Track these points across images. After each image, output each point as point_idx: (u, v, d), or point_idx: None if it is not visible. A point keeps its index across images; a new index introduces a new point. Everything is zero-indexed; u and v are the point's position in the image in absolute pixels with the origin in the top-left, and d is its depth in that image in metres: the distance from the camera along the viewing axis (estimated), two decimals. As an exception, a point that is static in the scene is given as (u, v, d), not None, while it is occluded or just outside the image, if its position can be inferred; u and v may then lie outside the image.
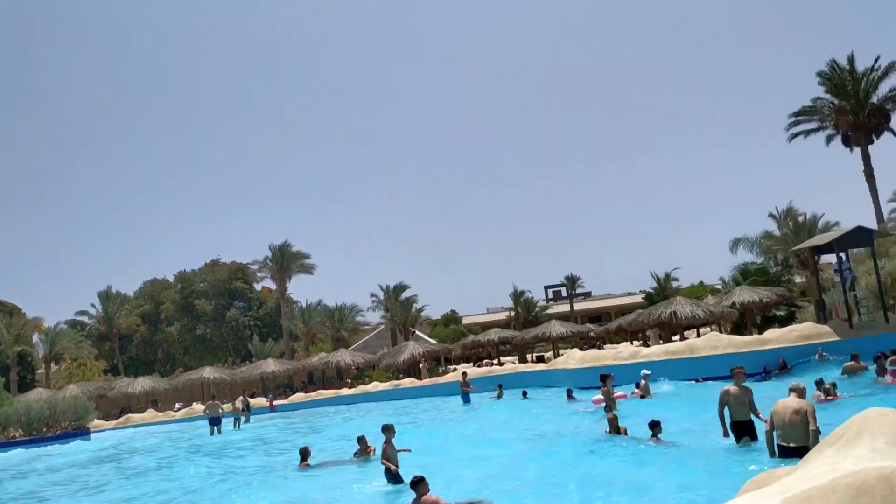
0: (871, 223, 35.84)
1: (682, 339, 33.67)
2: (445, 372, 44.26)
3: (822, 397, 15.01)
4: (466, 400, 28.50)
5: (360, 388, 41.75)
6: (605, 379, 17.01)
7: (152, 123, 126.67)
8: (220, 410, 29.86)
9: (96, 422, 40.94)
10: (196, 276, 72.17)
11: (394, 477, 12.09)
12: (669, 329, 35.07)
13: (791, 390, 8.29)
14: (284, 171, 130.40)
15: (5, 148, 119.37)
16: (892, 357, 19.90)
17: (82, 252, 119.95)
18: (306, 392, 45.39)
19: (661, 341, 34.67)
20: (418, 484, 8.84)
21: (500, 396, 27.66)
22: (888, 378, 17.11)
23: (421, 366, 42.68)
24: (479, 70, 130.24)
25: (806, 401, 8.02)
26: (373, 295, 56.27)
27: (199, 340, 68.19)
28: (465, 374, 31.70)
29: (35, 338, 57.09)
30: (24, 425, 35.64)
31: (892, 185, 46.03)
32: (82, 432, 35.51)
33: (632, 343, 42.57)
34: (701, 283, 55.09)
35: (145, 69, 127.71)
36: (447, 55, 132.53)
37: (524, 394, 26.44)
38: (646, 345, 37.80)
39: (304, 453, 15.43)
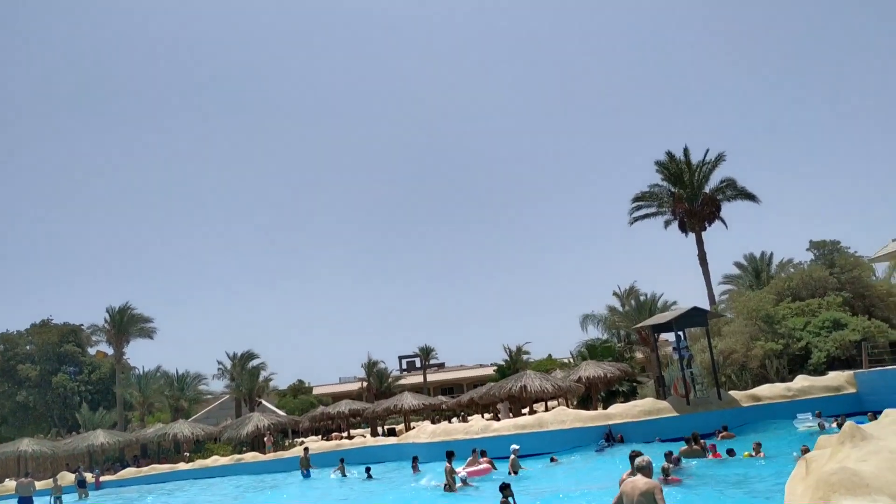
0: (705, 304, 38.30)
1: (532, 412, 34.04)
2: (292, 445, 42.38)
3: (662, 478, 15.34)
4: (307, 476, 27.88)
5: (199, 463, 39.06)
6: (449, 456, 17.51)
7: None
8: (33, 489, 26.86)
9: None
10: (21, 337, 66.14)
11: None
12: (520, 402, 35.41)
13: (637, 469, 8.12)
14: (125, 230, 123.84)
15: None
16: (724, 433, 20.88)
17: None
18: (139, 467, 42.00)
19: (510, 414, 34.88)
20: None
21: (342, 473, 26.63)
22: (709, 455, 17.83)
23: (266, 439, 40.68)
24: (330, 130, 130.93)
25: (654, 480, 7.90)
26: (219, 363, 53.60)
27: (20, 408, 61.99)
28: (306, 449, 30.71)
29: None
30: None
31: (723, 269, 49.42)
32: None
33: (483, 416, 42.71)
34: (550, 356, 56.48)
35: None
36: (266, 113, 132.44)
37: (368, 471, 25.50)
38: (496, 418, 37.95)
39: None
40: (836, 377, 25.52)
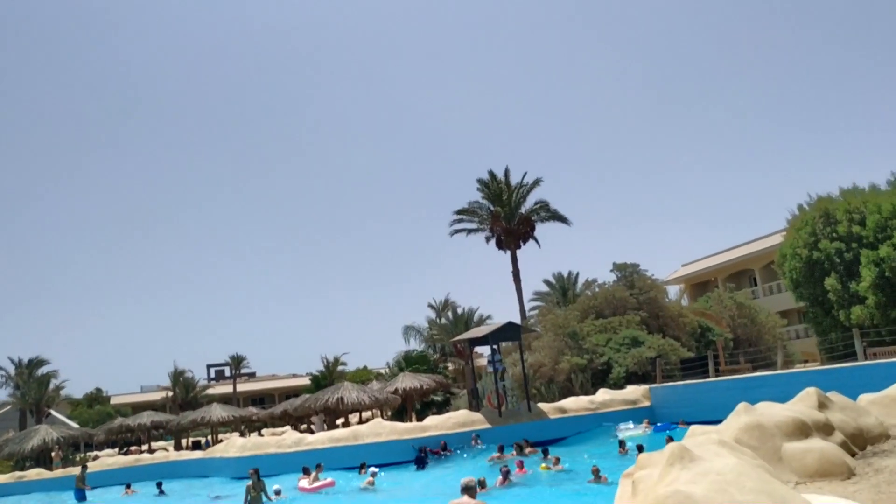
0: (517, 318, 39.89)
1: (346, 424, 33.70)
2: (85, 460, 39.09)
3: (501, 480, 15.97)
4: (81, 497, 25.32)
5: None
6: (254, 474, 16.91)
7: None
8: None
9: None
10: None
11: None
12: (335, 414, 34.97)
13: (463, 490, 8.07)
14: None
15: None
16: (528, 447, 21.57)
17: None
18: None
19: (325, 427, 34.35)
20: None
21: (128, 493, 25.19)
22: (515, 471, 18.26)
23: (53, 454, 37.22)
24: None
25: (478, 501, 7.90)
26: (1, 368, 48.54)
27: None
28: (84, 466, 28.00)
29: None
30: None
31: (534, 286, 51.91)
32: None
33: (297, 428, 41.71)
34: (366, 367, 56.44)
35: None
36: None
37: (159, 485, 24.19)
38: (310, 431, 37.22)
39: None
40: (633, 391, 27.44)
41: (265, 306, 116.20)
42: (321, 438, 25.60)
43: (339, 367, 52.05)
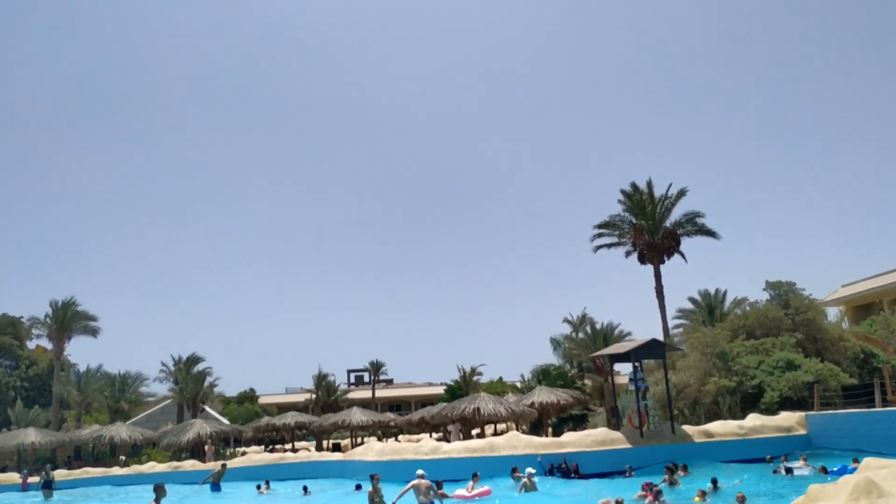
0: (659, 336, 38.37)
1: (482, 435, 33.56)
2: (234, 455, 41.19)
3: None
4: (216, 489, 28.03)
5: (134, 469, 37.64)
6: (373, 478, 17.41)
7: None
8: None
9: None
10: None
11: None
12: (471, 424, 34.94)
13: None
14: (75, 224, 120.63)
15: None
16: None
17: None
18: (70, 469, 40.34)
19: (461, 436, 34.36)
20: None
21: (262, 492, 26.38)
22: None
23: (206, 447, 39.43)
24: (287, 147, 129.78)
25: None
26: (163, 365, 52.09)
27: (-52, 401, 59.43)
28: (224, 465, 30.25)
29: None
30: None
31: (678, 303, 49.78)
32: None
33: (431, 436, 42.08)
34: (501, 379, 56.20)
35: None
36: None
37: (305, 489, 24.78)
38: (446, 439, 37.41)
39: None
40: (787, 417, 25.59)
41: (404, 315, 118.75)
42: (457, 448, 25.56)
43: (475, 378, 52.13)
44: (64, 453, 46.42)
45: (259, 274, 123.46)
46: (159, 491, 13.27)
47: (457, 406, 33.42)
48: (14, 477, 36.58)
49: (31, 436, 42.71)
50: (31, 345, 65.59)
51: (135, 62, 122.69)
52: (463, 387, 49.25)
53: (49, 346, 57.98)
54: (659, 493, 15.96)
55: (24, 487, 34.97)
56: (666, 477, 19.06)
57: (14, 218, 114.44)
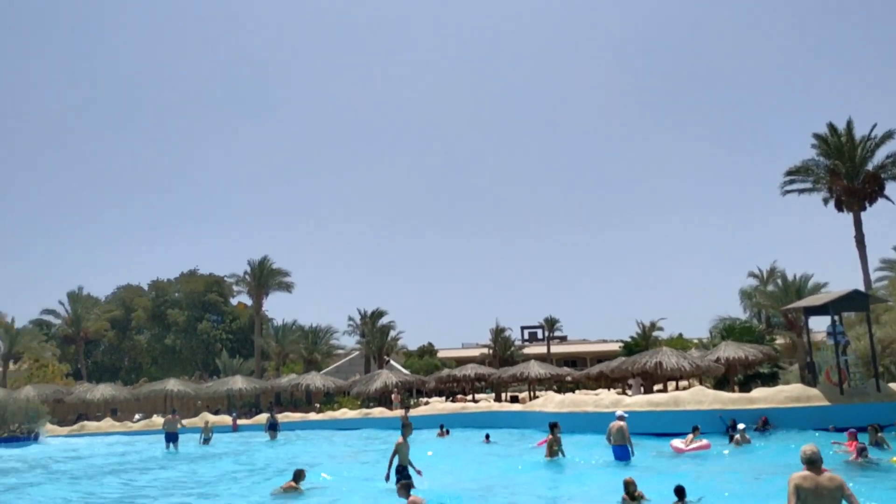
0: (860, 288, 35.45)
1: (664, 390, 32.80)
2: (417, 404, 43.06)
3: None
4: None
5: (329, 415, 40.42)
6: (553, 427, 17.74)
7: (137, 128, 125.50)
8: (179, 426, 28.51)
9: (50, 427, 39.33)
10: (171, 285, 70.67)
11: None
12: (652, 379, 34.23)
13: (806, 462, 6.84)
14: (268, 187, 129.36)
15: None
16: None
17: (55, 249, 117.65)
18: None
19: (642, 391, 33.80)
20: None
21: (442, 435, 27.39)
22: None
23: (393, 396, 41.49)
24: (464, 102, 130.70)
25: (835, 474, 6.85)
26: (350, 318, 55.14)
27: (168, 351, 66.43)
28: (407, 408, 33.06)
29: (-3, 334, 55.15)
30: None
31: (881, 253, 45.58)
32: (26, 438, 33.82)
33: (609, 390, 41.72)
34: (680, 335, 54.47)
35: (133, 74, 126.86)
36: (434, 80, 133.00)
37: (487, 437, 25.37)
38: (625, 393, 36.96)
39: (298, 475, 14.30)
40: None
41: (578, 272, 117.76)
42: (639, 401, 25.16)
43: (654, 333, 50.90)
44: (266, 399, 50.62)
45: (437, 233, 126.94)
46: (407, 430, 13.76)
47: (637, 360, 32.79)
48: (226, 419, 40.40)
49: (238, 382, 46.92)
50: (233, 301, 71.65)
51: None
52: (641, 343, 48.26)
53: (249, 301, 63.11)
54: (863, 448, 14.94)
55: (235, 428, 38.55)
56: (871, 436, 17.80)
57: (217, 189, 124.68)
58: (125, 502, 14.68)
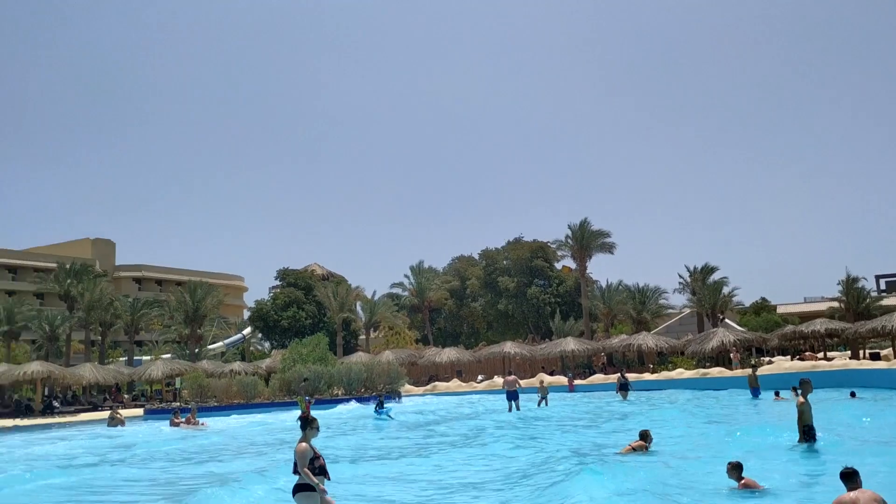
0: None
1: None
2: (759, 364, 40.31)
3: None
4: (756, 395, 28.04)
5: (664, 374, 39.60)
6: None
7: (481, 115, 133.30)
8: (518, 385, 29.80)
9: (407, 387, 43.75)
10: (499, 254, 74.28)
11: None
12: None
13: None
14: (584, 150, 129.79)
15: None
16: None
17: (399, 231, 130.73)
18: (606, 374, 44.27)
19: None
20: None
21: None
22: None
23: (732, 355, 39.30)
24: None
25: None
26: (679, 276, 53.33)
27: (502, 316, 70.11)
28: (754, 367, 31.17)
29: (357, 306, 62.74)
30: (344, 385, 39.06)
31: None
32: (390, 396, 37.79)
33: None
34: None
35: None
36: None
37: (852, 394, 22.86)
38: None
39: (645, 436, 14.11)
40: None
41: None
42: None
43: None
44: (598, 360, 51.06)
45: (764, 178, 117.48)
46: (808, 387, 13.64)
47: None
48: (561, 380, 41.51)
49: (570, 344, 47.89)
50: (557, 265, 73.26)
51: None
52: None
53: (573, 265, 64.03)
54: None
55: (571, 388, 39.42)
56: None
57: (539, 159, 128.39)
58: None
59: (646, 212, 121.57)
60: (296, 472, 7.71)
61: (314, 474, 7.58)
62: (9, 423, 35.47)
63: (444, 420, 26.16)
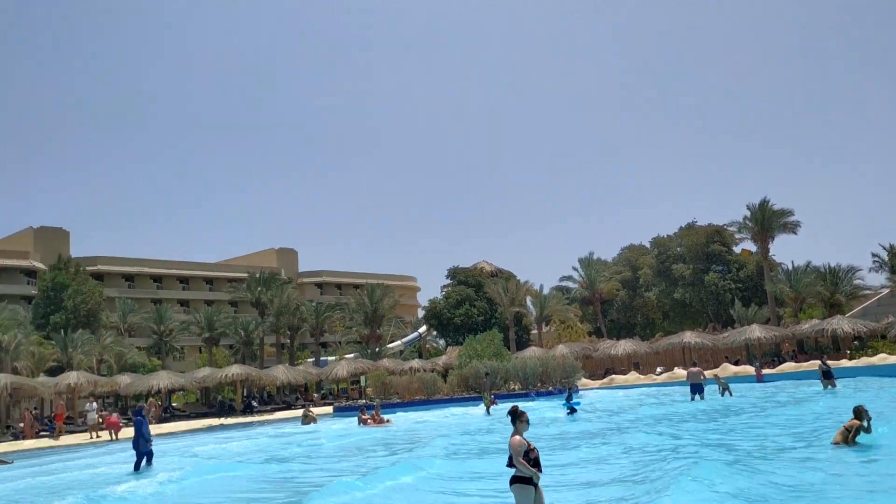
0: None
1: None
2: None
3: None
4: None
5: (864, 360, 36.58)
6: None
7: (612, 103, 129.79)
8: (703, 377, 28.62)
9: (583, 380, 43.26)
10: (671, 240, 71.59)
11: None
12: None
13: None
14: (759, 127, 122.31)
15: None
16: None
17: (565, 225, 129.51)
18: (797, 362, 41.50)
19: None
20: None
21: None
22: None
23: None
24: None
25: None
26: (874, 255, 48.89)
27: (678, 305, 67.59)
28: None
29: (527, 301, 62.79)
30: (520, 379, 39.22)
31: None
32: (563, 390, 37.40)
33: None
34: None
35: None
36: None
37: None
38: None
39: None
40: None
41: None
42: None
43: None
44: (788, 347, 47.92)
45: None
46: None
47: None
48: (748, 369, 39.40)
49: (755, 332, 45.18)
50: (736, 249, 69.42)
51: None
52: None
53: (753, 247, 60.50)
54: None
55: (759, 378, 37.30)
56: None
57: (707, 137, 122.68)
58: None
59: (832, 188, 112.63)
60: (510, 464, 7.92)
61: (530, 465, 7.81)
62: (215, 421, 38.71)
63: (631, 409, 25.57)
